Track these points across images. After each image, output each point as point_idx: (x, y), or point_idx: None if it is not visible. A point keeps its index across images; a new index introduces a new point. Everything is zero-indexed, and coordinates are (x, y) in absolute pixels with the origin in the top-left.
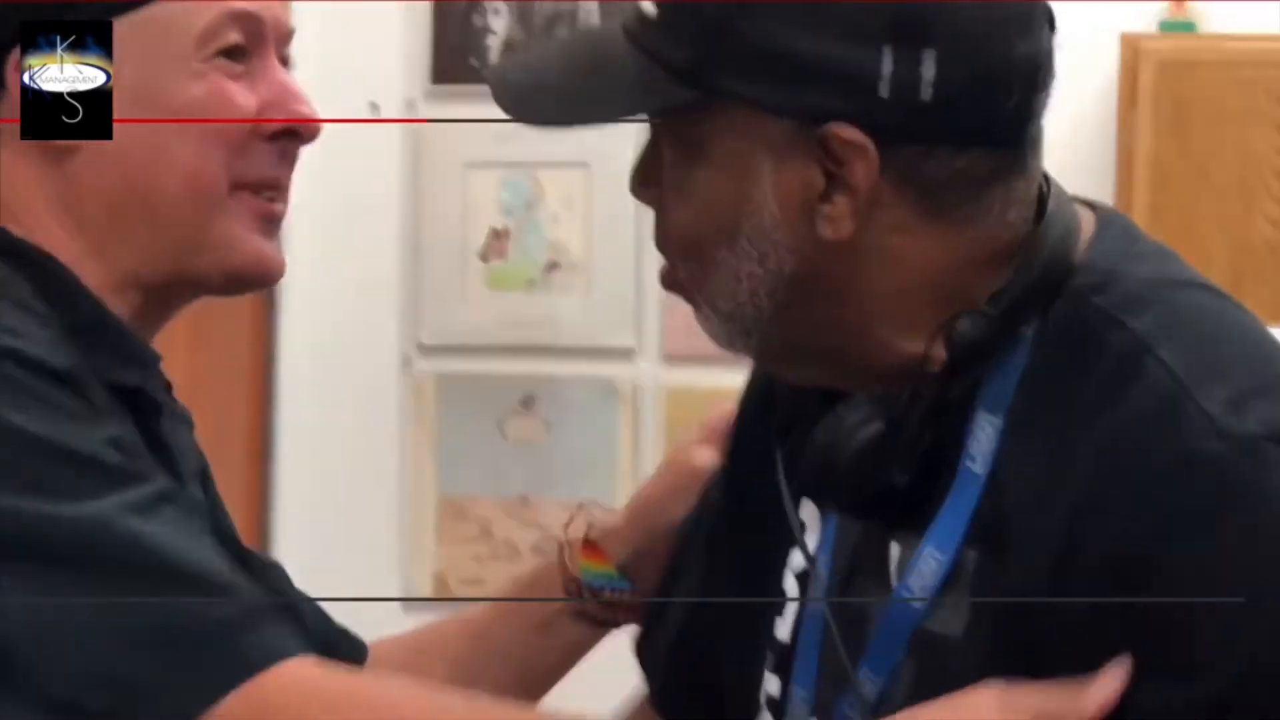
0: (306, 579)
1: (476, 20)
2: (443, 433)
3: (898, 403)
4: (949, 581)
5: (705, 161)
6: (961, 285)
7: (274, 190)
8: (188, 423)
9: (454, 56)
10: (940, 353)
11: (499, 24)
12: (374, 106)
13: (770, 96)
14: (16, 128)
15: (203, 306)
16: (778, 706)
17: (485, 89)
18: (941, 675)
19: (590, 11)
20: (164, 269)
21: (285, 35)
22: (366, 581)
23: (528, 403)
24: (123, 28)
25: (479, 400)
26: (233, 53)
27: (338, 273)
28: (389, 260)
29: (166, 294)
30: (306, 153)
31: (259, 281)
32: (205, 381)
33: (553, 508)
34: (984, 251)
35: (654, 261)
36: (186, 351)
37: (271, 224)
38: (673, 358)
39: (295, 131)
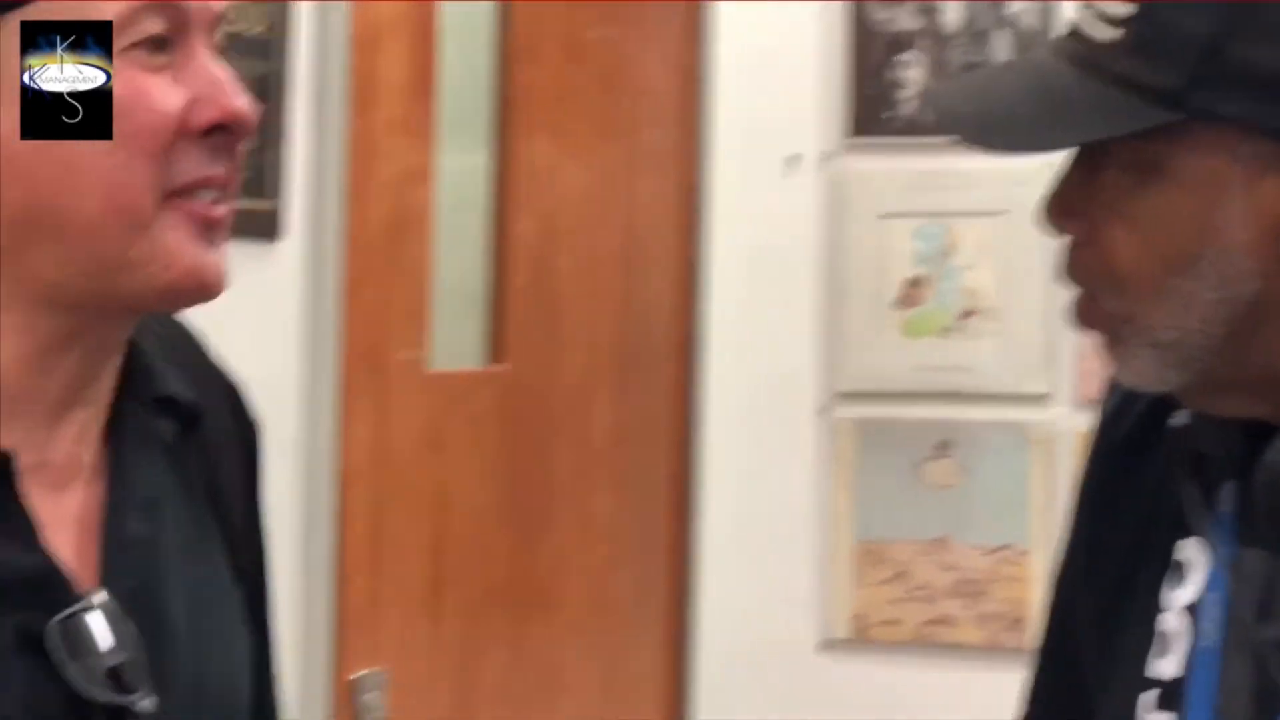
0: (728, 620)
1: (890, 73)
2: (860, 477)
3: None
4: None
5: (1168, 184)
6: None
7: (214, 190)
8: (160, 442)
9: (869, 108)
10: None
11: (914, 76)
12: (793, 158)
13: (1267, 116)
14: None
15: (626, 357)
16: None
17: (901, 140)
18: None
19: (1003, 59)
20: (85, 290)
21: (214, 20)
22: (788, 623)
23: (944, 447)
24: (15, 17)
25: (896, 445)
26: (153, 45)
27: (758, 322)
28: (807, 309)
29: (95, 314)
30: (728, 202)
31: (198, 296)
32: (627, 429)
33: (969, 550)
34: None
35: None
36: (611, 401)
37: (212, 229)
38: (1086, 402)
39: (227, 126)
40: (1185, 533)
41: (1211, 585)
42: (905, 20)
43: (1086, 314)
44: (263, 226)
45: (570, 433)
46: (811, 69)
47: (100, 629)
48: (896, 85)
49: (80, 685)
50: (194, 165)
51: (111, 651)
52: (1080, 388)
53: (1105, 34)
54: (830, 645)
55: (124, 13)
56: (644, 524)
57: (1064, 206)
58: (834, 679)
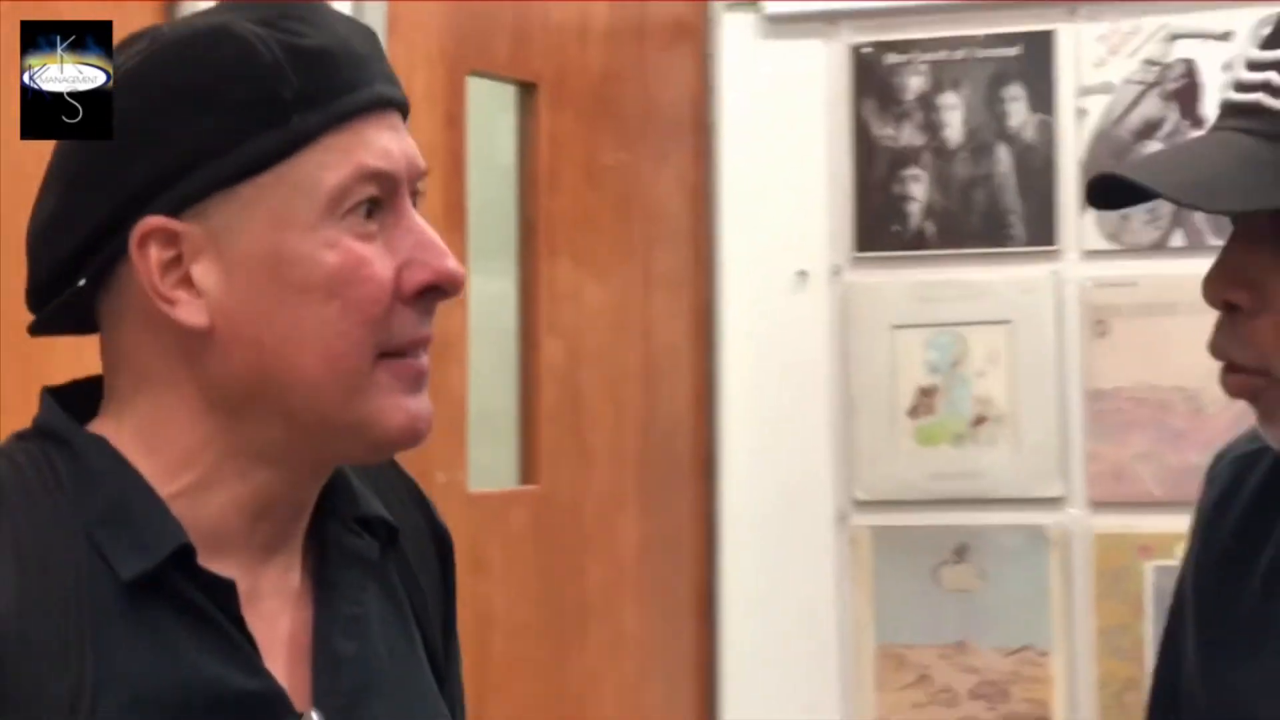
0: None
1: (896, 188)
2: (880, 584)
3: None
4: None
5: None
6: None
7: (420, 349)
8: (362, 560)
9: (876, 222)
10: None
11: (919, 190)
12: (802, 274)
13: None
14: (142, 305)
15: (647, 474)
16: None
17: (906, 253)
18: None
19: (1006, 179)
20: (302, 448)
21: (418, 172)
22: None
23: (961, 552)
24: (247, 190)
25: (914, 551)
26: (367, 210)
27: (774, 434)
28: (822, 420)
29: (310, 467)
30: (738, 317)
31: (409, 444)
32: (652, 544)
33: (989, 653)
34: None
35: (1077, 410)
36: (636, 517)
37: (418, 382)
38: (1099, 504)
39: (439, 287)
40: None
41: None
42: (909, 136)
43: (1239, 386)
44: None
45: (600, 549)
46: (820, 186)
47: None
48: (902, 199)
49: None
50: (408, 327)
51: None
52: (1092, 490)
53: (1273, 105)
54: None
55: (343, 182)
56: (671, 636)
57: (1234, 277)
58: None
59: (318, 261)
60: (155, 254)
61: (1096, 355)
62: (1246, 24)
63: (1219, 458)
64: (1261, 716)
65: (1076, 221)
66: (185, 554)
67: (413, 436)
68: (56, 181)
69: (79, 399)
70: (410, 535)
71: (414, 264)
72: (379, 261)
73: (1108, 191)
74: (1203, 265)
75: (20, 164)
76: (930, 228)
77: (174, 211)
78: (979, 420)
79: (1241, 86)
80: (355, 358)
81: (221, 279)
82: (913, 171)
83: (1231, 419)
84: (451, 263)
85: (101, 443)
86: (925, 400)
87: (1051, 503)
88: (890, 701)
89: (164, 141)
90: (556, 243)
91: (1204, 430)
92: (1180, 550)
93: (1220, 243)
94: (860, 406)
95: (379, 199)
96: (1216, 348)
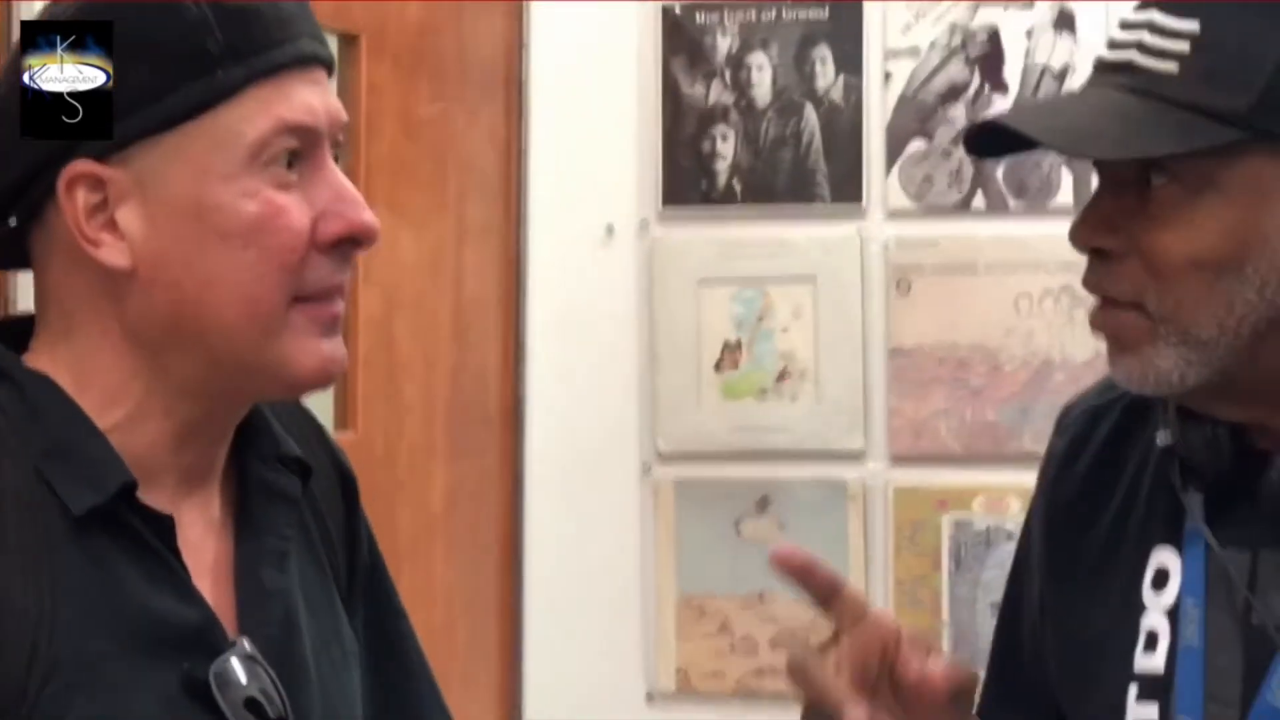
0: (557, 675)
1: (705, 145)
2: (682, 535)
3: None
4: None
5: (1219, 196)
6: None
7: (334, 295)
8: (285, 497)
9: (685, 179)
10: None
11: (726, 149)
12: (610, 228)
13: None
14: (69, 245)
15: (456, 424)
16: None
17: (713, 210)
18: None
19: (813, 139)
20: (222, 384)
21: (339, 126)
22: (615, 677)
23: (762, 504)
24: (172, 139)
25: (716, 503)
26: (287, 161)
27: (580, 386)
28: (628, 373)
29: (228, 401)
30: (547, 270)
31: (322, 385)
32: (460, 493)
33: (789, 603)
34: None
35: (879, 367)
36: (444, 465)
37: (332, 326)
38: (899, 459)
39: (354, 238)
40: (1156, 541)
41: (1188, 590)
42: (717, 94)
43: (1110, 321)
44: None
45: (411, 496)
46: (627, 142)
47: (242, 674)
48: (710, 156)
49: None
50: (323, 274)
51: (256, 694)
52: (892, 445)
53: (1163, 67)
54: (657, 697)
55: (264, 134)
56: (478, 584)
57: (1104, 223)
58: None
59: (237, 210)
60: (82, 197)
61: (898, 313)
62: None
63: (1069, 409)
64: (1106, 662)
65: (881, 182)
66: (129, 489)
67: (325, 377)
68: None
69: (7, 336)
70: (319, 474)
71: (330, 215)
72: (296, 210)
73: (985, 140)
74: (1001, 227)
75: None
76: (737, 185)
77: (100, 157)
78: (782, 375)
79: (1114, 45)
80: (270, 301)
81: (145, 223)
82: (721, 129)
83: (1028, 376)
84: (367, 215)
85: (44, 378)
86: (730, 355)
87: (852, 457)
88: (691, 650)
89: None
90: (374, 192)
91: (1001, 388)
92: (977, 504)
93: (1020, 206)
94: (665, 360)
95: (299, 151)
96: (1091, 284)
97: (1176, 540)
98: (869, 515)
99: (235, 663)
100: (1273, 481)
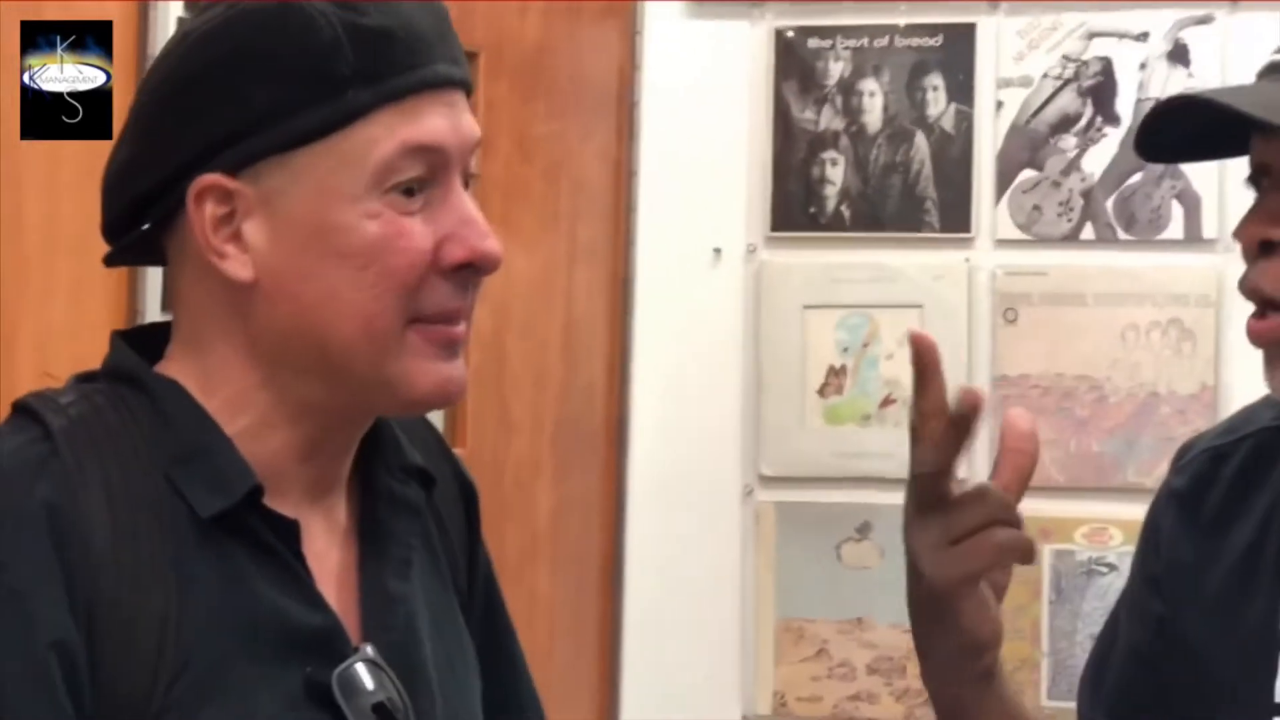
0: (654, 697)
1: (814, 170)
2: (782, 559)
3: None
4: None
5: None
6: None
7: (455, 318)
8: (409, 507)
9: (793, 204)
10: None
11: (836, 173)
12: (718, 251)
13: None
14: (197, 255)
15: (563, 442)
16: None
17: (821, 235)
18: None
19: (923, 167)
20: (341, 401)
21: (469, 150)
22: (711, 699)
23: (864, 530)
24: (300, 158)
25: (817, 527)
26: (411, 186)
27: (685, 409)
28: (732, 395)
29: (352, 415)
30: (654, 290)
31: (440, 405)
32: (564, 510)
33: (888, 629)
34: None
35: (985, 395)
36: (550, 482)
37: (451, 348)
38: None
39: (474, 264)
40: None
41: None
42: (828, 120)
43: (1272, 328)
44: None
45: (517, 513)
46: (739, 166)
47: (367, 679)
48: (819, 181)
49: None
50: (441, 298)
51: (383, 700)
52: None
53: None
54: None
55: (389, 157)
56: (579, 601)
57: (1273, 218)
58: None
59: (359, 230)
60: (210, 209)
61: (1005, 342)
62: (1163, 26)
63: (1187, 448)
64: (1238, 695)
65: (990, 210)
66: (256, 494)
67: (443, 398)
68: (130, 131)
69: (143, 342)
70: (441, 485)
71: (453, 239)
72: (418, 233)
73: (1158, 142)
74: (1110, 258)
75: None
76: (846, 211)
77: (230, 171)
78: (886, 401)
79: None
80: (386, 320)
81: (269, 238)
82: (831, 155)
83: (1133, 409)
84: (490, 243)
85: (174, 385)
86: (834, 380)
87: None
88: (789, 674)
89: (226, 104)
90: (488, 210)
91: (1106, 419)
92: (1079, 535)
93: (1129, 238)
94: (770, 383)
95: (425, 175)
96: (1250, 285)
97: None
98: None
99: (360, 668)
100: None
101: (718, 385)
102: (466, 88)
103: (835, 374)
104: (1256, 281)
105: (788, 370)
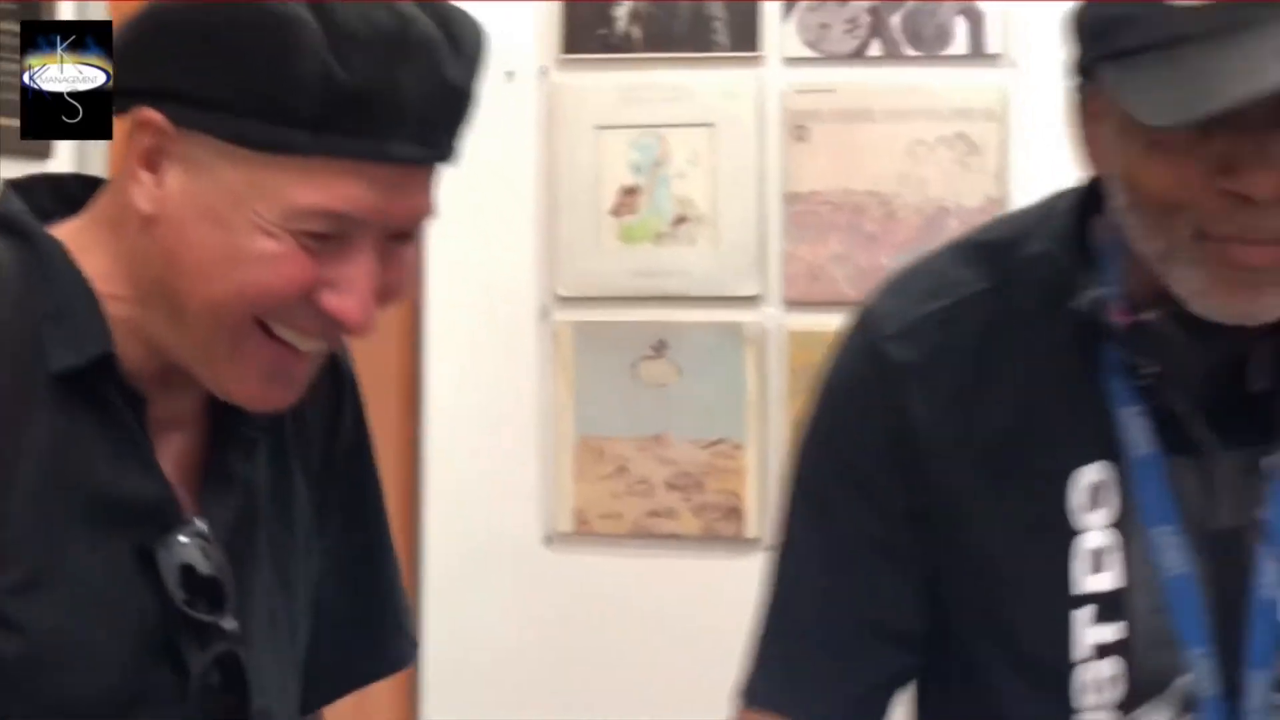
0: (456, 516)
1: None
2: (580, 378)
3: None
4: None
5: None
6: None
7: (303, 338)
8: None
9: (583, 26)
10: None
11: None
12: (509, 74)
13: None
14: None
15: None
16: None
17: (614, 56)
18: None
19: None
20: (177, 358)
21: (402, 223)
22: (513, 518)
23: (659, 348)
24: (237, 151)
25: (613, 346)
26: (317, 236)
27: (479, 231)
28: (526, 218)
29: (184, 376)
30: None
31: (260, 410)
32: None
33: (686, 445)
34: None
35: (775, 213)
36: None
37: (284, 374)
38: (794, 303)
39: (334, 319)
40: (1081, 460)
41: (1156, 516)
42: None
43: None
44: None
45: None
46: None
47: (196, 552)
48: (609, 3)
49: (179, 601)
50: (296, 319)
51: (205, 574)
52: (788, 290)
53: None
54: (554, 539)
55: (298, 208)
56: (378, 423)
57: None
58: (559, 571)
59: (252, 241)
60: (144, 139)
61: (795, 159)
62: None
63: (886, 315)
64: (1027, 590)
65: (778, 28)
66: (109, 360)
67: (256, 409)
68: (135, 22)
69: (43, 195)
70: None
71: (330, 289)
72: (303, 267)
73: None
74: (897, 74)
75: None
76: (636, 32)
77: (178, 122)
78: (680, 220)
79: None
80: (234, 319)
81: (179, 192)
82: None
83: (922, 223)
84: (351, 307)
85: (59, 244)
86: (628, 199)
87: (748, 301)
88: (589, 491)
89: (194, 67)
90: None
91: (895, 233)
92: None
93: (915, 54)
94: (564, 205)
95: (332, 233)
96: (1249, 225)
97: (1108, 455)
98: (764, 359)
99: (184, 539)
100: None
101: (512, 208)
102: (426, 165)
103: (629, 193)
104: (1255, 224)
105: (582, 191)
